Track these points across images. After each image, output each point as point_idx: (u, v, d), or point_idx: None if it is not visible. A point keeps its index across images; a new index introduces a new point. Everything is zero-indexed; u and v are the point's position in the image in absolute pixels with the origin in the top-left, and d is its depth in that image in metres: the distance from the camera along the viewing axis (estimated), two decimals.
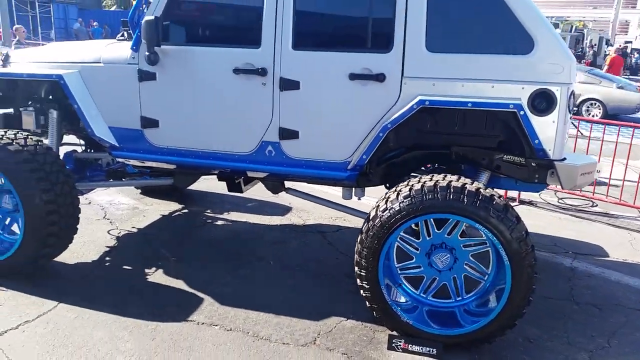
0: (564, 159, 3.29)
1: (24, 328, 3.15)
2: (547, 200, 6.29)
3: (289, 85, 3.42)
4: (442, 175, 3.08)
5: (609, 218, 5.79)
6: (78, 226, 3.84)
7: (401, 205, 2.99)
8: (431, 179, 3.04)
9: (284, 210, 5.44)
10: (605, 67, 16.84)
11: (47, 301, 3.44)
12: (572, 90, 3.22)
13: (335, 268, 4.18)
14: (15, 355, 2.89)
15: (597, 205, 6.14)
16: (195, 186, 5.85)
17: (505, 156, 3.38)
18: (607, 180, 6.24)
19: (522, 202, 6.19)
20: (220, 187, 5.67)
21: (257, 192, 5.83)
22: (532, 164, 3.31)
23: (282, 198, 5.68)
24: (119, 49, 3.88)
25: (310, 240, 4.72)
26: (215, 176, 4.18)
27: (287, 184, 4.17)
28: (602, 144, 6.04)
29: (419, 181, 3.06)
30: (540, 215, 5.80)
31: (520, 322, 3.11)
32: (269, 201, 5.60)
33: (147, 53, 3.56)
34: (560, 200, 6.33)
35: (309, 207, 5.42)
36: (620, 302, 3.90)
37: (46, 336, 3.08)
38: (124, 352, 2.95)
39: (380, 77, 3.27)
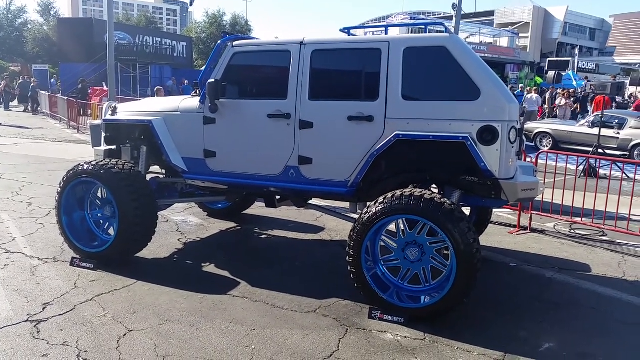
0: (512, 178, 4.26)
1: (113, 293, 4.50)
2: (560, 230, 6.97)
3: (306, 125, 4.67)
4: (410, 189, 4.16)
5: (611, 245, 6.38)
6: (156, 235, 5.22)
7: (377, 208, 4.08)
8: (401, 191, 4.12)
9: (318, 229, 6.62)
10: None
11: (129, 279, 4.79)
12: (513, 126, 4.21)
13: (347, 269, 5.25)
14: (107, 307, 4.22)
15: (606, 235, 6.72)
16: (249, 211, 7.19)
17: (467, 177, 4.39)
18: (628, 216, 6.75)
19: (533, 230, 6.93)
20: (268, 212, 6.99)
21: (298, 216, 7.09)
22: (488, 183, 4.30)
23: (319, 221, 6.90)
24: (191, 102, 5.34)
25: (334, 251, 5.84)
26: (263, 203, 5.50)
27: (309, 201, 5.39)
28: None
29: (393, 193, 4.14)
30: (546, 241, 6.50)
31: (479, 309, 4.04)
32: (307, 223, 6.84)
33: (210, 105, 4.98)
34: (572, 230, 6.99)
35: (340, 228, 6.58)
36: (579, 302, 4.64)
37: (128, 298, 4.40)
38: (179, 309, 4.20)
39: (370, 118, 4.44)
